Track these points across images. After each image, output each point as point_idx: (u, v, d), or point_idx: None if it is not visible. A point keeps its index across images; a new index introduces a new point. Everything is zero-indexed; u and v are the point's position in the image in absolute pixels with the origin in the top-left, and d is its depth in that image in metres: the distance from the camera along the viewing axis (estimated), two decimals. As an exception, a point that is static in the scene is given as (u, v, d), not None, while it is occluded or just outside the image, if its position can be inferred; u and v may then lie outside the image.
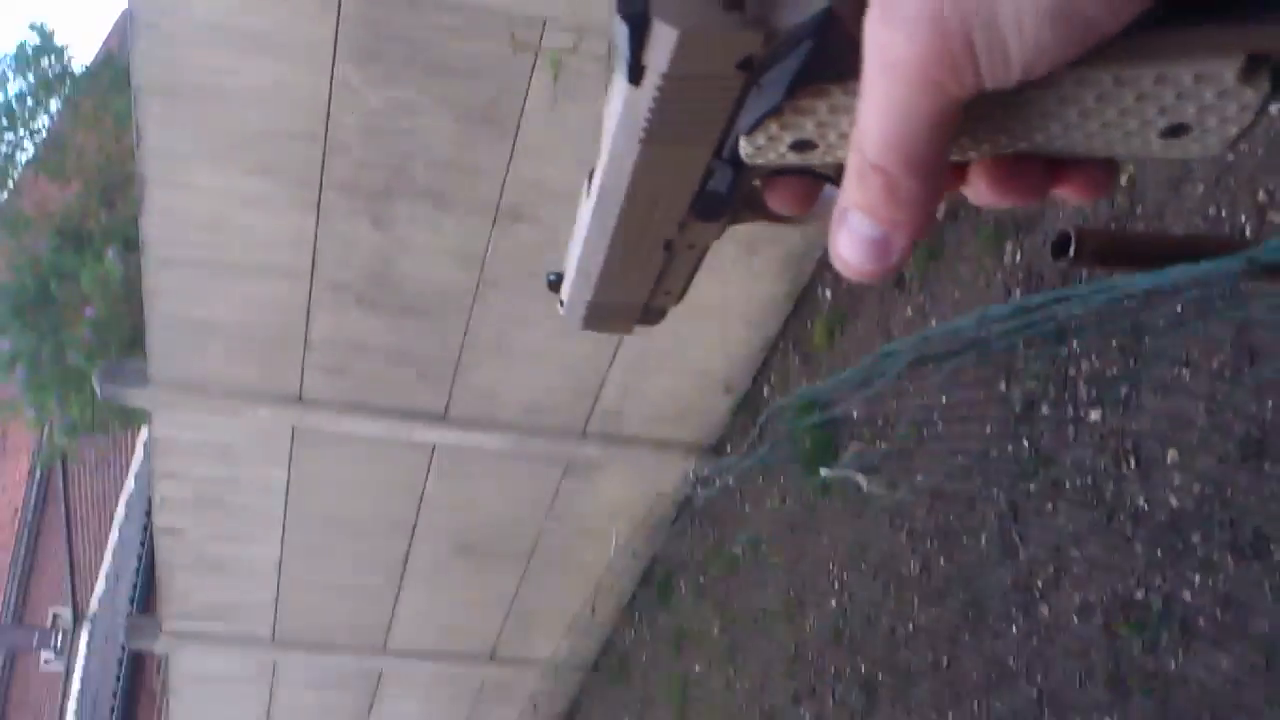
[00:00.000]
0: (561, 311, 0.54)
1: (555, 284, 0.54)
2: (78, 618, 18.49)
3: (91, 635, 17.27)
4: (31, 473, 19.24)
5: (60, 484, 18.12)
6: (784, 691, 5.16)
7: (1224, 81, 0.40)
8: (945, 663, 3.99)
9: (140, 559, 12.80)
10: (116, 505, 14.31)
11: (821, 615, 4.94)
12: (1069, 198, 0.50)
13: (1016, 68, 0.40)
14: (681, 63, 0.40)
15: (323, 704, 8.39)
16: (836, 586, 4.82)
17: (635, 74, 0.41)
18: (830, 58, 0.42)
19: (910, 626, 4.22)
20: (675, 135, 0.43)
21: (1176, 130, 0.43)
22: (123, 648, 14.79)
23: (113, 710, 15.29)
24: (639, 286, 0.51)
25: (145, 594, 13.20)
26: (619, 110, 0.43)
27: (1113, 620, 3.22)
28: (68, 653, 19.51)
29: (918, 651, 4.14)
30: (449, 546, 6.62)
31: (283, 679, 7.99)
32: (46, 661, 23.18)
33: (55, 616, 21.44)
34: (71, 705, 18.06)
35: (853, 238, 0.45)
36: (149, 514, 11.52)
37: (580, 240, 0.49)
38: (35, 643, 20.26)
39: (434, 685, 8.15)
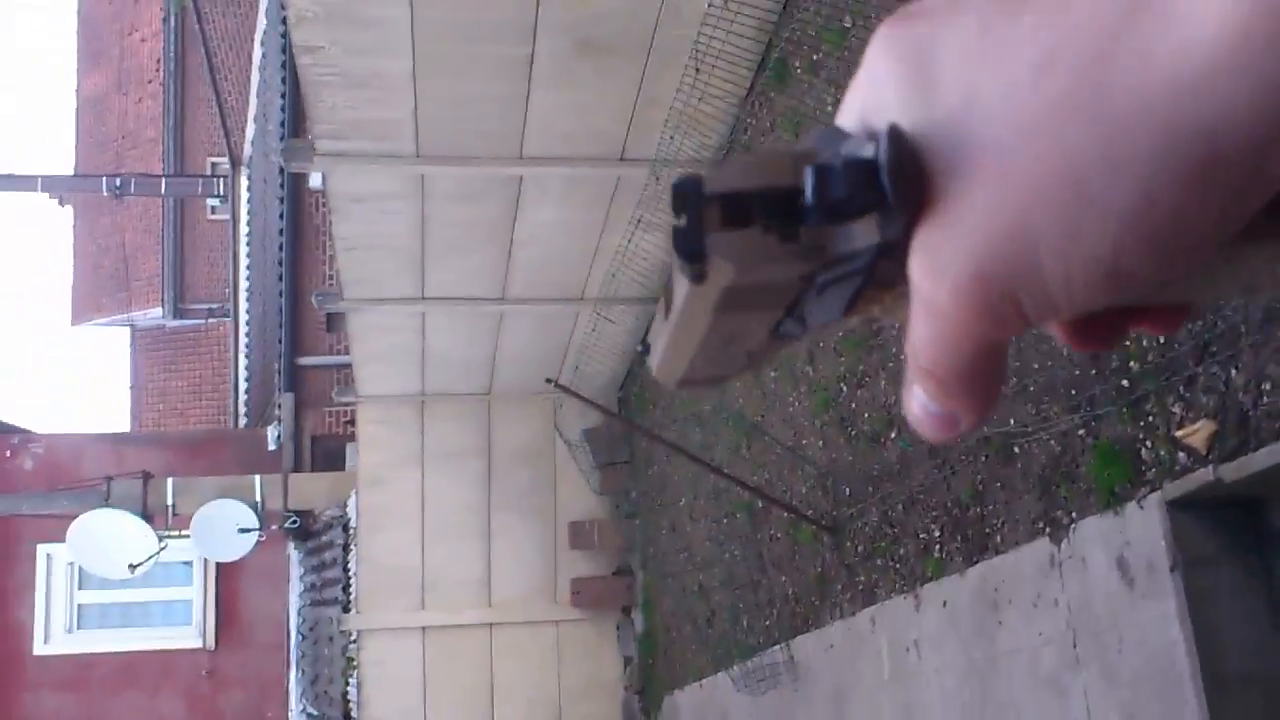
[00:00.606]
0: (654, 374, 0.53)
1: (645, 351, 0.61)
2: (234, 163, 19.51)
3: (250, 179, 18.28)
4: (165, 20, 19.65)
5: (197, 28, 18.53)
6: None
7: None
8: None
9: (284, 96, 13.38)
10: (252, 45, 14.73)
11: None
12: (1145, 332, 0.48)
13: (1066, 316, 0.39)
14: (741, 281, 0.40)
15: (470, 216, 9.01)
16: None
17: (698, 280, 0.41)
18: (888, 275, 0.41)
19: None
20: (743, 309, 0.43)
21: (1251, 290, 0.43)
22: (282, 186, 15.72)
23: (281, 246, 16.29)
24: (725, 373, 0.51)
25: (293, 133, 13.88)
26: (685, 289, 0.42)
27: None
28: (231, 199, 20.73)
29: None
30: (570, 45, 6.86)
31: (431, 192, 8.57)
32: (213, 210, 24.76)
33: (214, 164, 22.70)
34: (243, 247, 19.28)
35: (920, 407, 0.44)
36: (285, 49, 11.93)
37: (664, 342, 0.47)
38: (200, 190, 21.64)
39: (570, 190, 8.67)
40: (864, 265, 0.40)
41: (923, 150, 0.37)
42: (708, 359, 0.47)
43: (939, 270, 0.38)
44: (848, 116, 0.41)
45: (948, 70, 0.37)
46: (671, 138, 7.52)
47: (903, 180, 0.37)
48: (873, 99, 0.39)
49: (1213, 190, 0.33)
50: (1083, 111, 0.33)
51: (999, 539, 5.23)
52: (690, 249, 0.39)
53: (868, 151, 0.37)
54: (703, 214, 0.39)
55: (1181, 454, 4.01)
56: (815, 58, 6.54)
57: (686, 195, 0.39)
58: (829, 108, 6.27)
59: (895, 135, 0.37)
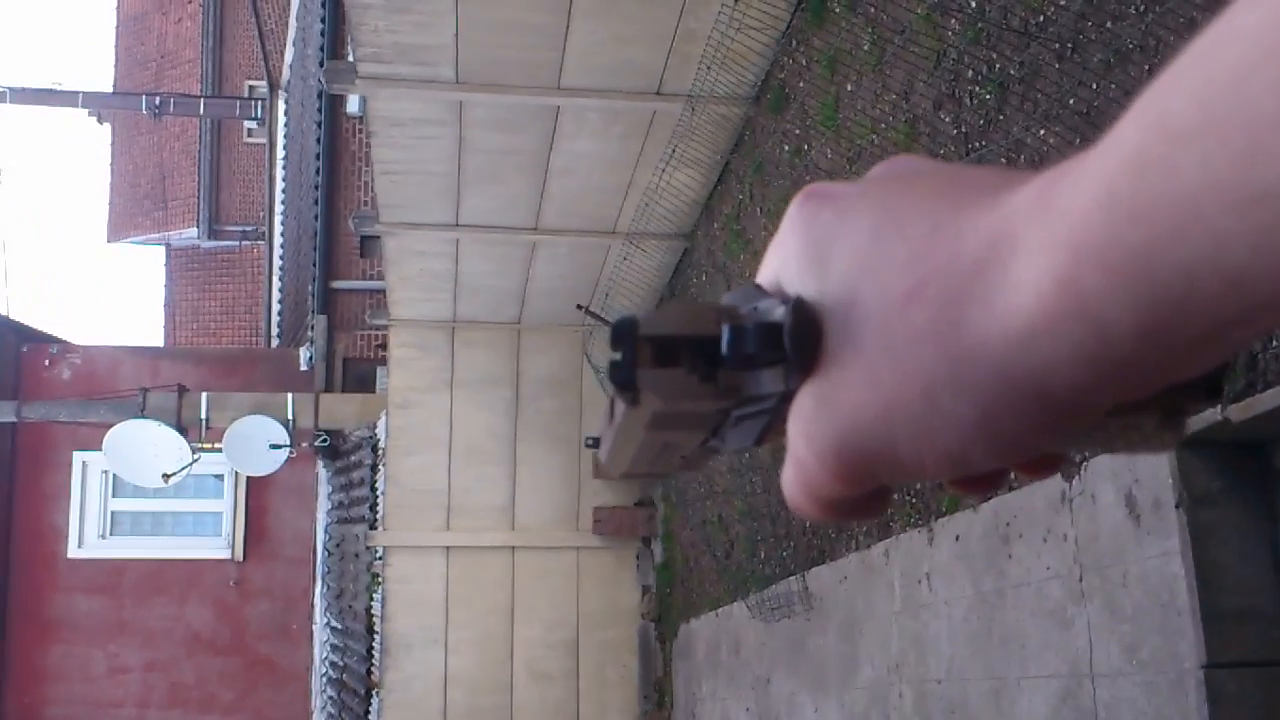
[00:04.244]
0: (603, 462, 0.57)
1: (594, 445, 0.58)
2: (272, 87, 19.58)
3: (288, 103, 18.37)
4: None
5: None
6: (926, 99, 5.55)
7: (1147, 430, 0.45)
8: (1069, 51, 4.30)
9: (324, 20, 13.45)
10: (298, -34, 14.76)
11: (964, 20, 5.21)
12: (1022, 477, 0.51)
13: (924, 481, 0.45)
14: (667, 410, 0.45)
15: (507, 145, 9.12)
16: (980, -3, 5.05)
17: (632, 404, 0.45)
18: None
19: (1040, 18, 4.49)
20: (671, 429, 0.47)
21: (1109, 448, 0.47)
22: (319, 110, 15.82)
23: (317, 171, 16.39)
24: (664, 471, 0.55)
25: (332, 58, 13.95)
26: (623, 407, 0.47)
27: None
28: (268, 123, 20.83)
29: (1045, 44, 4.44)
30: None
31: (469, 120, 8.68)
32: (250, 133, 24.88)
33: (251, 88, 22.80)
34: (279, 171, 19.38)
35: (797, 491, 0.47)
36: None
37: (609, 443, 0.52)
38: (237, 111, 21.75)
39: (606, 122, 8.76)
40: (770, 407, 0.45)
41: (819, 319, 0.42)
42: (647, 460, 0.51)
43: (809, 435, 0.43)
44: (766, 274, 0.46)
45: (840, 262, 0.42)
46: (709, 69, 7.60)
47: (801, 345, 0.42)
48: (784, 268, 0.45)
49: (1041, 415, 0.38)
50: (938, 342, 0.38)
51: (1014, 476, 5.34)
52: (623, 380, 0.44)
53: (777, 315, 0.43)
54: (637, 351, 0.44)
55: (1193, 396, 4.11)
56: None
57: (623, 335, 0.44)
58: (865, 47, 6.34)
59: (798, 307, 0.43)
